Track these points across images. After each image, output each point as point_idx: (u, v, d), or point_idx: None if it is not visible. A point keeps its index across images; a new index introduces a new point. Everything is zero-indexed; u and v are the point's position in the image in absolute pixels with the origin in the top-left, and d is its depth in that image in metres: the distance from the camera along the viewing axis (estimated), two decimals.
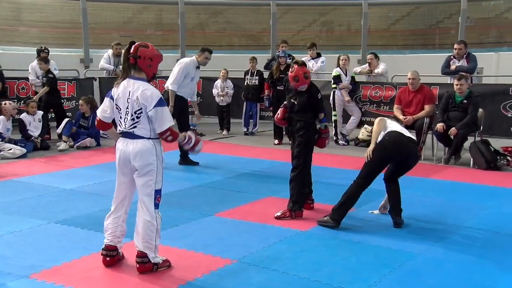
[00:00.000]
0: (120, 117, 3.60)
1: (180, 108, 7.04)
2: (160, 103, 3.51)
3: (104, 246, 3.74)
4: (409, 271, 3.72)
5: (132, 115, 3.53)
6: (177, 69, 7.03)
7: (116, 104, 3.60)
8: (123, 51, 3.78)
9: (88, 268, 3.72)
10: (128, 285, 3.47)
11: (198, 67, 7.15)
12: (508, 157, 7.05)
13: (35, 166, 7.20)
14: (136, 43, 3.61)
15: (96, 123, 3.79)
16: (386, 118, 4.95)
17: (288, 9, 13.50)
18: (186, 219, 4.79)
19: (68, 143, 8.34)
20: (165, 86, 7.17)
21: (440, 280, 3.57)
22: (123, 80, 3.60)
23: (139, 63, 3.57)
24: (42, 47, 9.61)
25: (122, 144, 3.63)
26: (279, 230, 4.53)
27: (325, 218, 4.62)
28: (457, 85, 7.31)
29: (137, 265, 3.62)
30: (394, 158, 4.63)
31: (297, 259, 3.91)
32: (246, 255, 3.95)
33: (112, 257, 3.74)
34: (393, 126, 4.72)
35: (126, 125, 3.57)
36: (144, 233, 3.59)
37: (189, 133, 3.80)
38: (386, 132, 4.65)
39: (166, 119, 3.54)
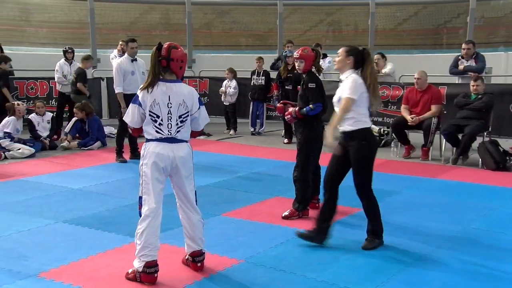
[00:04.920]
0: (160, 124, 3.41)
1: None
2: (201, 102, 3.61)
3: (145, 263, 3.43)
4: (416, 271, 3.70)
5: (176, 120, 3.44)
6: (114, 71, 7.24)
7: (150, 111, 3.41)
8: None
9: (95, 267, 3.74)
10: (135, 285, 3.48)
11: (134, 60, 7.27)
12: None
13: (43, 166, 7.25)
14: (166, 44, 3.45)
15: (132, 132, 3.71)
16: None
17: (295, 9, 13.48)
18: None
19: (71, 142, 8.39)
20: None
21: (446, 281, 3.55)
22: (153, 84, 3.41)
23: (172, 65, 3.44)
24: (66, 47, 9.62)
25: (165, 149, 3.43)
26: (286, 230, 4.52)
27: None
28: (473, 85, 7.32)
29: (199, 264, 3.64)
30: None
31: (304, 259, 3.91)
32: (253, 255, 3.95)
33: (158, 271, 3.51)
34: None
35: (171, 131, 3.44)
36: (200, 233, 3.64)
37: None
38: None
39: (206, 118, 3.66)
